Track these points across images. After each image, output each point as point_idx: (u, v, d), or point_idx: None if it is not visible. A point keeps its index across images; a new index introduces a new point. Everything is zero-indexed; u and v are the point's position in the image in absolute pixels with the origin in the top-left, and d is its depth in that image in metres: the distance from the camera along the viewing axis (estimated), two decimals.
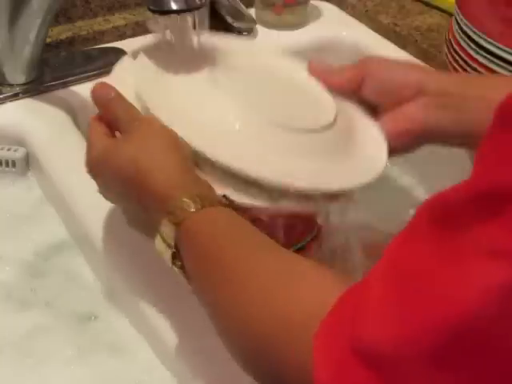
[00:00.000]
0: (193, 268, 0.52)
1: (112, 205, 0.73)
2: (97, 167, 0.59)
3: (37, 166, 0.81)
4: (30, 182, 0.81)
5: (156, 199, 0.54)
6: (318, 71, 0.67)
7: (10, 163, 0.81)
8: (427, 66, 0.66)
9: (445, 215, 0.35)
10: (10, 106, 0.86)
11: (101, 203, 0.73)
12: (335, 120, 0.62)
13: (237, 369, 0.57)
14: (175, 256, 0.53)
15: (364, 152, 0.63)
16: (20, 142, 0.83)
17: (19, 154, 0.81)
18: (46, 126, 0.83)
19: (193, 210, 0.51)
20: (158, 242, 0.54)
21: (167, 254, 0.53)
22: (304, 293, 0.43)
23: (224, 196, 0.54)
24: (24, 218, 0.77)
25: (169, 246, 0.53)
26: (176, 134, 0.57)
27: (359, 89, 0.65)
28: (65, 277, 0.70)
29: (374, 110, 0.66)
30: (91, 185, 0.75)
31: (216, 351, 0.58)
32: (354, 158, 0.62)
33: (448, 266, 0.34)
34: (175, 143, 0.56)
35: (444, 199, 0.36)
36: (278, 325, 0.43)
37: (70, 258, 0.72)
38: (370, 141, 0.64)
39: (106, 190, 0.61)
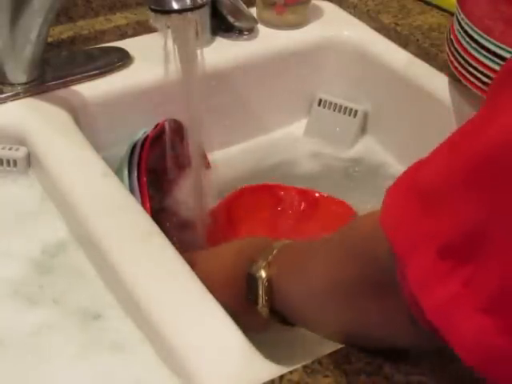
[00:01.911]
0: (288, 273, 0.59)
1: (112, 204, 0.73)
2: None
3: (38, 165, 0.81)
4: (32, 181, 0.81)
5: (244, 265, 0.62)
6: None
7: (11, 162, 0.81)
8: None
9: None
10: (11, 105, 0.86)
11: (101, 202, 0.74)
12: None
13: (237, 369, 0.57)
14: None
15: None
16: (21, 141, 0.83)
17: (20, 153, 0.81)
18: (47, 126, 0.83)
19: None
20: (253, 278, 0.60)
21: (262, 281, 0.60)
22: None
23: None
24: (27, 216, 0.77)
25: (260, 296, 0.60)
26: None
27: None
28: (69, 274, 0.71)
29: None
30: (92, 184, 0.76)
31: (216, 351, 0.59)
32: None
33: (485, 114, 0.40)
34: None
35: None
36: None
37: (74, 256, 0.72)
38: None
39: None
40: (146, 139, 0.83)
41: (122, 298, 0.67)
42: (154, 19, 0.67)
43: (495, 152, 0.37)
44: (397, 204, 0.43)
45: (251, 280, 0.60)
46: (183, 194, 0.86)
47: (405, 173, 0.44)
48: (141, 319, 0.64)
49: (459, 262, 0.38)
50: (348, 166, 1.01)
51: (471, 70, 0.82)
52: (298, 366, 0.56)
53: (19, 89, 0.87)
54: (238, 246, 0.68)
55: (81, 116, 0.87)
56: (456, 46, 0.84)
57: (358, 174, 0.99)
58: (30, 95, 0.87)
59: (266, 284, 0.59)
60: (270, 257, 0.60)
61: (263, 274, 0.59)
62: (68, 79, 0.89)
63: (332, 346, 0.56)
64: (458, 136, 0.42)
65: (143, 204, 0.76)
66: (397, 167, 0.98)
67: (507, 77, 0.40)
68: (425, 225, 0.40)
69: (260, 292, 0.59)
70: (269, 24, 1.03)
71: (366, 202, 0.70)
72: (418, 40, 0.97)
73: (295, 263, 0.58)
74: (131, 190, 0.78)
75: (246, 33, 1.01)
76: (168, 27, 0.67)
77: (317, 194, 0.91)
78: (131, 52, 0.94)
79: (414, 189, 0.42)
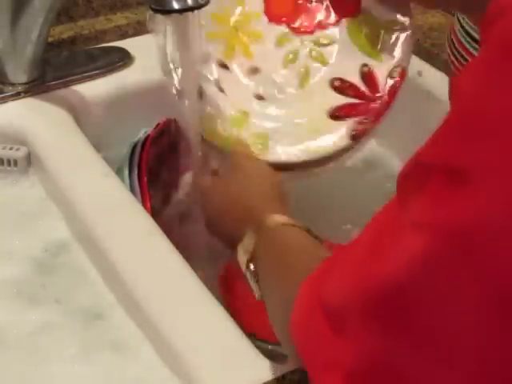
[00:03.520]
0: (265, 258, 0.60)
1: (113, 203, 0.73)
2: (215, 201, 0.71)
3: (38, 165, 0.81)
4: (32, 181, 0.81)
5: (250, 217, 0.64)
6: None
7: (11, 162, 0.81)
8: None
9: (402, 184, 0.40)
10: (11, 105, 0.86)
11: (102, 202, 0.74)
12: None
13: (237, 370, 0.57)
14: (250, 262, 0.61)
15: None
16: (22, 141, 0.83)
17: (21, 153, 0.81)
18: (47, 126, 0.83)
19: (273, 225, 0.61)
20: (240, 248, 0.62)
21: (244, 259, 0.62)
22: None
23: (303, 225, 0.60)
24: (28, 216, 0.77)
25: (247, 252, 0.61)
26: (265, 164, 0.70)
27: None
28: (71, 274, 0.71)
29: None
30: (92, 184, 0.76)
31: (217, 351, 0.59)
32: None
33: (392, 234, 0.39)
34: (270, 173, 0.70)
35: (406, 167, 0.40)
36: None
37: (75, 256, 0.72)
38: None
39: (217, 214, 0.71)
40: (146, 139, 0.83)
41: (122, 297, 0.67)
42: (151, 21, 0.67)
43: (390, 291, 0.37)
44: (306, 316, 0.44)
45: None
46: (183, 193, 0.86)
47: (312, 278, 0.46)
48: (141, 319, 0.64)
49: None
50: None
51: None
52: (298, 366, 0.56)
53: (20, 88, 0.87)
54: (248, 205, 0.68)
55: (81, 116, 0.87)
56: (457, 45, 0.84)
57: (357, 172, 0.99)
58: (31, 95, 0.87)
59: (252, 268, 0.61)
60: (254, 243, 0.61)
61: (246, 257, 0.61)
62: (68, 79, 0.89)
63: None
64: (364, 248, 0.41)
65: (143, 204, 0.76)
66: (395, 166, 0.98)
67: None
68: (333, 346, 0.41)
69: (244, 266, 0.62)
70: None
71: (365, 200, 0.70)
72: (418, 40, 0.97)
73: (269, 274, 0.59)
74: (132, 190, 0.78)
75: None
76: (168, 27, 0.67)
77: None
78: (131, 52, 0.94)
79: (320, 302, 0.43)
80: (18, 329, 0.65)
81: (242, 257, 0.62)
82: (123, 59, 0.93)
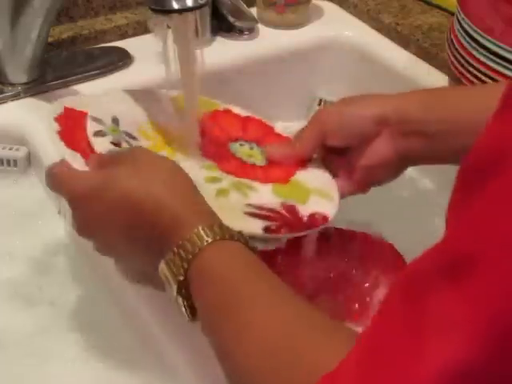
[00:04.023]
0: (203, 307, 0.48)
1: None
2: (92, 197, 0.52)
3: (38, 165, 0.81)
4: (32, 181, 0.82)
5: (168, 224, 0.49)
6: (278, 156, 0.69)
7: (11, 162, 0.81)
8: (381, 94, 0.67)
9: (410, 287, 0.34)
10: (11, 105, 0.86)
11: None
12: None
13: None
14: (182, 286, 0.48)
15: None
16: (21, 141, 0.83)
17: (21, 153, 0.82)
18: (47, 126, 0.83)
19: (210, 240, 0.47)
20: (166, 271, 0.49)
21: (173, 285, 0.49)
22: (305, 360, 0.41)
23: (239, 232, 0.51)
24: (28, 216, 0.77)
25: (176, 274, 0.48)
26: (175, 162, 0.54)
27: (324, 142, 0.67)
28: (69, 275, 0.71)
29: (343, 152, 0.67)
30: None
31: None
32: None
33: (405, 343, 0.33)
34: (180, 170, 0.53)
35: (411, 270, 0.35)
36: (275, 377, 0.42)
37: (74, 256, 0.72)
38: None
39: (104, 238, 0.53)
40: None
41: (120, 299, 0.67)
42: (152, 23, 0.67)
43: None
44: None
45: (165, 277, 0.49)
46: None
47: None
48: (139, 321, 0.64)
49: None
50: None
51: (471, 69, 0.82)
52: None
53: (20, 89, 0.87)
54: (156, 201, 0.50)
55: None
56: (456, 45, 0.84)
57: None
58: (31, 95, 0.87)
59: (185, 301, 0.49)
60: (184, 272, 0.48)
61: (178, 295, 0.49)
62: (68, 79, 0.89)
63: None
64: (375, 363, 0.35)
65: None
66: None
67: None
68: None
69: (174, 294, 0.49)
70: (269, 24, 1.03)
71: (363, 198, 0.70)
72: (418, 40, 0.97)
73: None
74: None
75: (246, 33, 1.01)
76: (168, 27, 0.67)
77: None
78: (131, 52, 0.94)
79: None
80: (15, 330, 0.65)
81: (169, 280, 0.49)
82: (123, 59, 0.93)
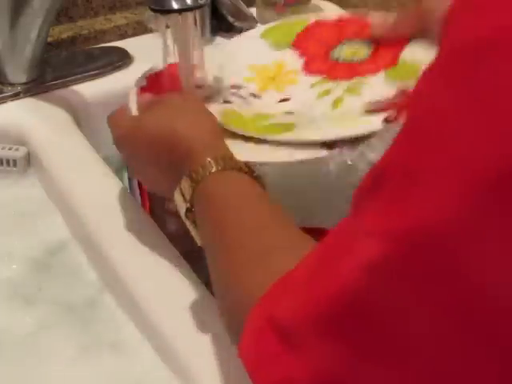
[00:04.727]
0: (201, 224, 0.56)
1: (112, 203, 0.73)
2: (129, 135, 0.63)
3: (38, 165, 0.81)
4: (31, 181, 0.81)
5: (183, 155, 0.58)
6: (381, 31, 0.71)
7: (10, 162, 0.81)
8: None
9: (356, 196, 0.39)
10: (11, 105, 0.86)
11: (101, 202, 0.74)
12: None
13: (237, 369, 0.57)
14: (189, 210, 0.56)
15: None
16: (21, 141, 0.83)
17: (20, 153, 0.81)
18: (46, 126, 0.83)
19: (213, 170, 0.55)
20: (177, 195, 0.57)
21: (182, 208, 0.57)
22: (271, 270, 0.46)
23: (246, 163, 0.57)
24: (27, 216, 0.77)
25: (185, 200, 0.56)
26: (201, 104, 0.63)
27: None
28: (69, 274, 0.71)
29: None
30: (92, 184, 0.76)
31: (217, 351, 0.59)
32: None
33: (343, 245, 0.38)
34: (205, 109, 0.62)
35: (362, 181, 0.39)
36: (243, 297, 0.48)
37: (74, 256, 0.72)
38: None
39: (134, 156, 0.64)
40: None
41: (121, 298, 0.67)
42: (149, 20, 0.67)
43: (343, 300, 0.36)
44: (255, 339, 0.43)
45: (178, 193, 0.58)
46: None
47: (263, 301, 0.44)
48: (140, 319, 0.64)
49: None
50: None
51: None
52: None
53: (19, 89, 0.87)
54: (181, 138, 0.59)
55: (81, 116, 0.87)
56: None
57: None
58: (30, 95, 0.87)
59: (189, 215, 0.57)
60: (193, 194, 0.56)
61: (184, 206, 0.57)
62: (68, 79, 0.89)
63: None
64: (316, 261, 0.40)
65: (143, 204, 0.76)
66: None
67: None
68: (286, 364, 0.40)
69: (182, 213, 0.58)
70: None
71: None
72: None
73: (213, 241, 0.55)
74: (131, 190, 0.78)
75: None
76: (168, 27, 0.67)
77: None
78: (131, 52, 0.94)
79: (272, 323, 0.41)
80: (16, 329, 0.65)
81: (180, 204, 0.57)
82: (122, 59, 0.93)
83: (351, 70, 0.71)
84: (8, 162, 0.81)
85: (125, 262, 0.67)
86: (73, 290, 0.69)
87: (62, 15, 0.96)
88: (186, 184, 0.56)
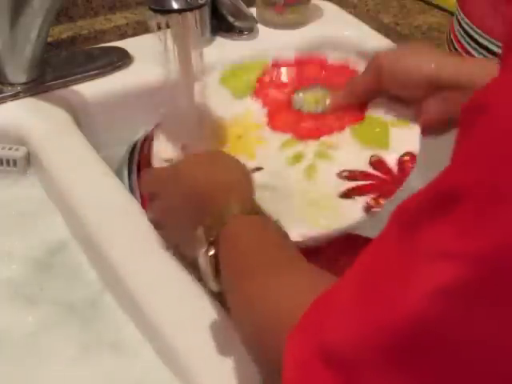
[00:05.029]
0: (224, 262, 0.54)
1: (112, 203, 0.73)
2: (165, 186, 0.63)
3: (38, 165, 0.81)
4: (31, 181, 0.81)
5: (211, 203, 0.57)
6: (340, 101, 0.71)
7: (10, 162, 0.81)
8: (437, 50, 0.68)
9: (405, 219, 0.36)
10: (11, 105, 0.86)
11: (101, 202, 0.74)
12: None
13: (237, 369, 0.57)
14: (209, 250, 0.55)
15: None
16: (21, 141, 0.83)
17: (20, 153, 0.81)
18: (46, 126, 0.83)
19: (238, 212, 0.55)
20: (200, 233, 0.56)
21: (204, 244, 0.55)
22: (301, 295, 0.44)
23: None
24: (27, 216, 0.77)
25: (208, 241, 0.55)
26: (232, 156, 0.63)
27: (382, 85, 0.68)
28: (69, 274, 0.71)
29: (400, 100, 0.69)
30: (92, 184, 0.76)
31: (217, 351, 0.59)
32: None
33: (402, 268, 0.35)
34: (234, 162, 0.62)
35: (408, 204, 0.36)
36: (273, 326, 0.45)
37: (74, 256, 0.72)
38: None
39: (167, 208, 0.64)
40: (146, 139, 0.83)
41: (121, 298, 0.67)
42: (150, 20, 0.67)
43: (412, 328, 0.33)
44: (303, 370, 0.39)
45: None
46: None
47: (303, 327, 0.40)
48: (141, 319, 0.64)
49: None
50: None
51: None
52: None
53: (19, 89, 0.87)
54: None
55: (81, 116, 0.87)
56: (456, 45, 0.84)
57: None
58: (30, 95, 0.87)
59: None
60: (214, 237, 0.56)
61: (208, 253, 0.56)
62: (68, 79, 0.89)
63: None
64: (369, 286, 0.37)
65: (143, 204, 0.76)
66: None
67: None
68: None
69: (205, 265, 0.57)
70: (269, 24, 1.03)
71: None
72: (418, 40, 0.97)
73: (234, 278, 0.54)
74: (131, 190, 0.78)
75: (245, 33, 1.01)
76: (168, 27, 0.67)
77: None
78: (131, 52, 0.94)
79: (321, 354, 0.37)
80: (17, 330, 0.65)
81: (202, 241, 0.56)
82: (122, 59, 0.93)
83: (317, 127, 0.70)
84: (8, 162, 0.81)
85: (124, 262, 0.67)
86: (73, 290, 0.69)
87: (61, 15, 0.96)
88: (211, 224, 0.56)
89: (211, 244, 0.55)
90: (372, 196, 0.62)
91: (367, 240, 0.62)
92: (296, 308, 0.42)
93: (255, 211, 0.56)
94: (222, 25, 1.00)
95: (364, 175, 0.65)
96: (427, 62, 0.66)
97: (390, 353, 0.34)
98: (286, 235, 0.56)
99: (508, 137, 0.32)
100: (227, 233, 0.55)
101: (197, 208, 0.59)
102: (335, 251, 0.67)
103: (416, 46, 0.69)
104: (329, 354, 0.37)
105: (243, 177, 0.61)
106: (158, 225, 0.67)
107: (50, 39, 0.90)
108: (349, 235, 0.66)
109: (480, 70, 0.65)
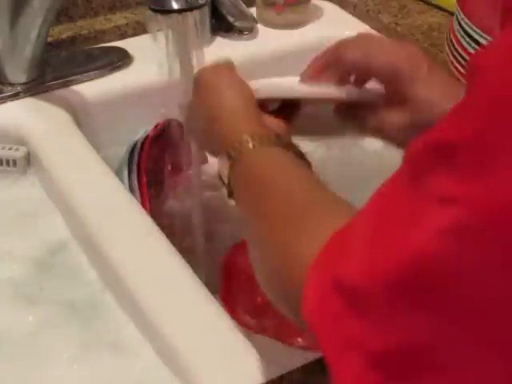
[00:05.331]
0: (239, 199, 0.57)
1: (112, 203, 0.73)
2: (192, 107, 0.66)
3: (38, 165, 0.81)
4: (31, 181, 0.81)
5: (222, 132, 0.60)
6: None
7: (10, 162, 0.81)
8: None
9: (414, 161, 0.39)
10: (11, 105, 0.86)
11: (101, 202, 0.74)
12: None
13: (237, 368, 0.57)
14: (229, 189, 0.58)
15: None
16: (21, 141, 0.83)
17: (20, 153, 0.81)
18: (46, 125, 0.83)
19: (250, 146, 0.57)
20: (219, 170, 0.59)
21: (221, 182, 0.59)
22: (318, 229, 0.47)
23: (277, 136, 0.58)
24: (27, 215, 0.77)
25: (223, 176, 0.58)
26: (241, 79, 0.65)
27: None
28: (69, 274, 0.71)
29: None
30: (91, 184, 0.76)
31: (217, 351, 0.59)
32: None
33: (409, 210, 0.37)
34: (241, 87, 0.64)
35: (418, 144, 0.38)
36: (291, 256, 0.48)
37: (74, 256, 0.72)
38: None
39: (192, 124, 0.67)
40: (145, 139, 0.83)
41: (121, 298, 0.67)
42: (149, 20, 0.67)
43: (421, 264, 0.36)
44: (320, 300, 0.42)
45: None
46: (182, 191, 0.86)
47: (322, 261, 0.43)
48: (141, 319, 0.64)
49: (392, 376, 0.38)
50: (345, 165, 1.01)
51: None
52: (298, 365, 0.56)
53: (19, 89, 0.87)
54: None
55: (81, 116, 0.87)
56: (456, 45, 0.84)
57: (357, 172, 0.99)
58: (30, 95, 0.87)
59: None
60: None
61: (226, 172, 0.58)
62: (68, 79, 0.89)
63: None
64: (380, 225, 0.40)
65: (143, 204, 0.76)
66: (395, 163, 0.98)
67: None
68: (353, 327, 0.39)
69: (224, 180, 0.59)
70: (269, 24, 1.03)
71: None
72: (417, 40, 0.97)
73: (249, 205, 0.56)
74: (131, 190, 0.78)
75: (245, 33, 1.01)
76: (168, 27, 0.67)
77: None
78: (131, 52, 0.94)
79: (337, 286, 0.40)
80: (17, 329, 0.65)
81: (220, 180, 0.60)
82: (122, 59, 0.93)
83: None
84: (8, 162, 0.81)
85: (124, 262, 0.67)
86: (73, 289, 0.69)
87: (62, 15, 0.96)
88: (223, 161, 0.58)
89: (227, 180, 0.58)
90: None
91: None
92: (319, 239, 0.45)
93: (266, 142, 0.57)
94: (222, 25, 1.00)
95: None
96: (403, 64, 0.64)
97: (396, 288, 0.37)
98: (308, 164, 0.57)
99: (501, 100, 0.34)
100: (239, 170, 0.57)
101: (212, 131, 0.62)
102: None
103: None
104: (342, 286, 0.40)
105: (248, 105, 0.62)
106: (187, 130, 0.72)
107: (50, 39, 0.90)
108: None
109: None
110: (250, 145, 0.57)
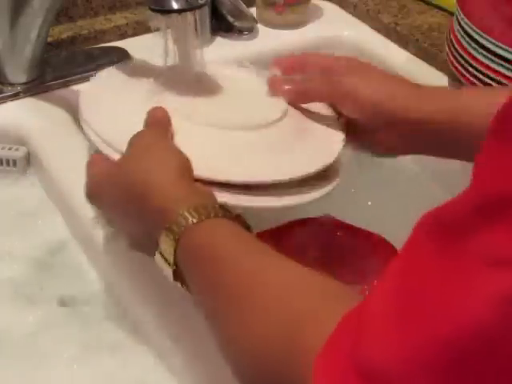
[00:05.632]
0: (194, 282, 0.51)
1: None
2: (97, 188, 0.59)
3: (38, 165, 0.81)
4: (31, 181, 0.81)
5: (154, 214, 0.53)
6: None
7: (10, 162, 0.81)
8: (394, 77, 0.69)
9: (444, 229, 0.35)
10: (10, 105, 0.86)
11: None
12: (283, 116, 0.66)
13: None
14: (176, 272, 0.52)
15: (316, 144, 0.66)
16: (21, 141, 0.83)
17: (20, 153, 0.81)
18: (46, 126, 0.83)
19: (190, 223, 0.50)
20: (158, 259, 0.53)
21: (168, 271, 0.52)
22: (307, 312, 0.42)
23: (221, 206, 0.53)
24: (27, 216, 0.77)
25: (168, 263, 0.52)
26: (169, 145, 0.58)
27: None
28: (69, 274, 0.71)
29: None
30: None
31: (217, 352, 0.59)
32: (305, 148, 0.65)
33: (450, 279, 0.33)
34: (170, 155, 0.57)
35: (442, 213, 0.35)
36: (280, 345, 0.42)
37: (74, 256, 0.72)
38: (325, 135, 0.67)
39: (108, 211, 0.60)
40: None
41: (122, 298, 0.67)
42: (154, 20, 0.67)
43: (478, 336, 0.31)
44: None
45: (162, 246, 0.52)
46: None
47: (333, 344, 0.38)
48: (141, 320, 0.64)
49: None
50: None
51: (471, 69, 0.82)
52: None
53: (19, 89, 0.87)
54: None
55: None
56: (456, 45, 0.84)
57: (358, 171, 0.99)
58: (30, 95, 0.87)
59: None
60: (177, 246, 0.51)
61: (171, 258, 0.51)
62: (68, 79, 0.89)
63: None
64: (409, 300, 0.35)
65: None
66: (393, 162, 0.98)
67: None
68: None
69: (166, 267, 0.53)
70: (269, 24, 1.03)
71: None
72: (417, 40, 0.97)
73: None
74: None
75: (245, 33, 1.01)
76: (168, 27, 0.67)
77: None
78: (131, 52, 0.94)
79: (356, 371, 0.35)
80: (17, 329, 0.65)
81: (164, 269, 0.52)
82: (122, 59, 0.93)
83: None
84: (8, 162, 0.81)
85: (124, 262, 0.67)
86: (73, 290, 0.69)
87: (61, 15, 0.96)
88: (165, 245, 0.51)
89: (174, 267, 0.51)
90: None
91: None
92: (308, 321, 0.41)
93: (205, 215, 0.51)
94: (222, 25, 1.00)
95: None
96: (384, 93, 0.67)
97: (440, 367, 0.33)
98: (242, 232, 0.51)
99: None
100: (184, 250, 0.50)
101: (135, 207, 0.54)
102: (296, 240, 0.68)
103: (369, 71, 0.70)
104: (368, 371, 0.35)
105: (182, 167, 0.55)
106: (109, 222, 0.63)
107: (50, 39, 0.90)
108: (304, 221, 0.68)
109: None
110: (196, 218, 0.50)
